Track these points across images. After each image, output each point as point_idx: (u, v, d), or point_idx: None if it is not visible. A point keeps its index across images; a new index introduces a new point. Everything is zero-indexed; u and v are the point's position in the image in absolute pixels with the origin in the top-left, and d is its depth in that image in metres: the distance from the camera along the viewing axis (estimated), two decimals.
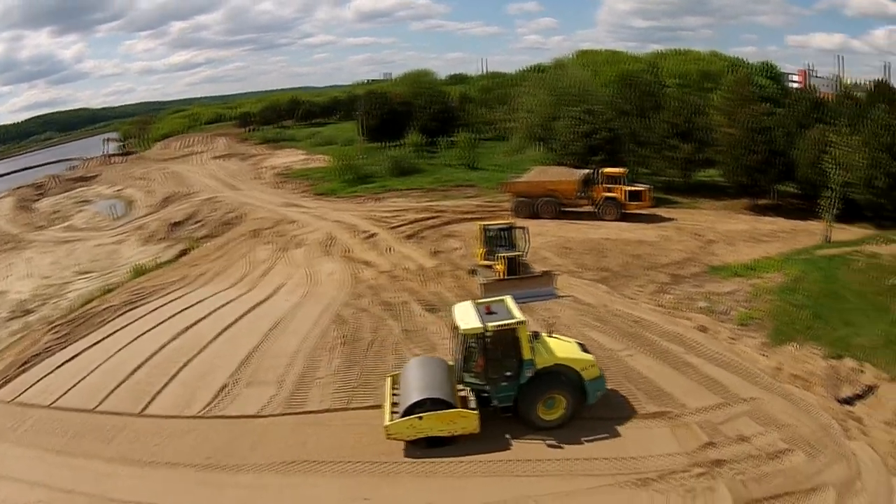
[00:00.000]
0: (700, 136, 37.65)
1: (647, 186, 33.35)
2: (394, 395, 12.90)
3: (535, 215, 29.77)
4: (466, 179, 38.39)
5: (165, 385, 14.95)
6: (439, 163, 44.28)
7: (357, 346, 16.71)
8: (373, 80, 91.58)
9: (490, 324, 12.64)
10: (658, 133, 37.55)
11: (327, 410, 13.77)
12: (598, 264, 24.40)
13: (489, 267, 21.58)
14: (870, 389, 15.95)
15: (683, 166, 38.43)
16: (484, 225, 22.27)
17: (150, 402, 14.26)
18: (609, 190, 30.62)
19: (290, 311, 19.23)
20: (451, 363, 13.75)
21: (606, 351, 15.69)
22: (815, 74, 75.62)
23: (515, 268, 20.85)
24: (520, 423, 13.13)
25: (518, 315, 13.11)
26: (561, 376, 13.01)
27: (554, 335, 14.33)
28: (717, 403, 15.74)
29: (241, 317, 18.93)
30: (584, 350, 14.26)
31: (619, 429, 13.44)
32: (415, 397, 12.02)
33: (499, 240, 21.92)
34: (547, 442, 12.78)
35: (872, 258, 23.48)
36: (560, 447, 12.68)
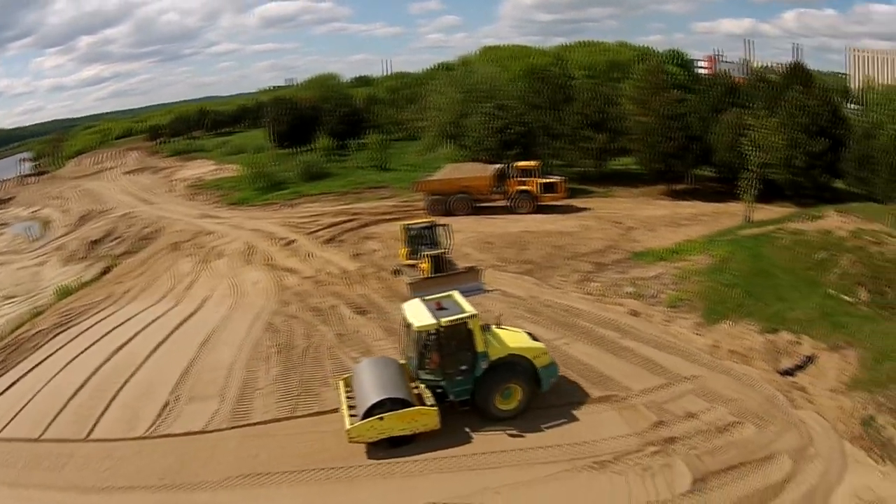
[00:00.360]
0: (613, 126, 47.24)
1: (561, 178, 41.06)
2: (348, 398, 16.15)
3: (449, 212, 37.16)
4: (379, 181, 48.49)
5: (107, 407, 18.34)
6: (351, 166, 55.86)
7: (292, 353, 20.86)
8: (277, 87, 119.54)
9: (443, 319, 15.79)
10: (571, 125, 46.72)
11: (274, 421, 17.06)
12: (520, 257, 30.98)
13: (414, 266, 26.58)
14: (810, 360, 20.61)
15: (597, 156, 48.01)
16: (406, 225, 27.57)
17: (94, 427, 17.48)
18: (522, 183, 38.91)
19: (221, 323, 23.91)
20: (402, 362, 17.33)
21: (543, 341, 18.84)
22: (723, 60, 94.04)
23: (441, 265, 25.84)
24: (476, 416, 16.58)
25: (469, 308, 16.44)
26: (515, 366, 16.50)
27: (502, 326, 18.02)
28: (661, 384, 19.44)
29: (172, 332, 23.49)
30: (534, 339, 18.03)
31: (569, 415, 16.96)
32: (373, 398, 15.01)
33: (421, 238, 27.21)
34: (501, 434, 15.95)
35: (797, 235, 30.06)
36: (514, 437, 15.89)
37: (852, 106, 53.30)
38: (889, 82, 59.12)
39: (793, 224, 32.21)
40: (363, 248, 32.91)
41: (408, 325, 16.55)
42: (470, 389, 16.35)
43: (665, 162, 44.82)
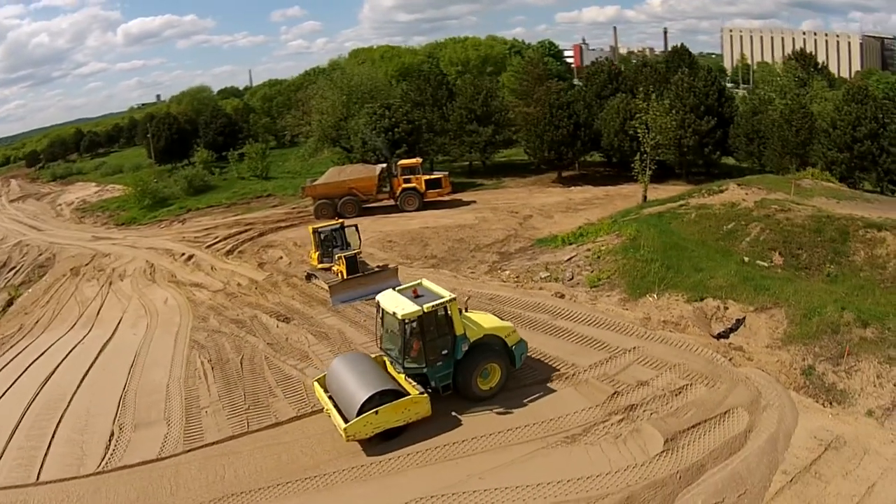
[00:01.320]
0: (497, 119, 52.22)
1: (445, 173, 44.96)
2: (329, 398, 16.96)
3: (338, 215, 39.82)
4: (263, 190, 52.53)
5: (49, 446, 18.00)
6: (232, 177, 60.22)
7: (228, 368, 21.34)
8: (145, 104, 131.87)
9: (426, 305, 16.86)
10: (455, 120, 51.52)
11: (231, 438, 17.23)
12: (424, 253, 33.08)
13: (328, 270, 28.05)
14: (740, 322, 22.68)
15: (483, 149, 52.84)
16: (315, 228, 28.98)
17: (41, 469, 17.08)
18: (407, 181, 42.45)
19: (143, 345, 24.35)
20: (373, 356, 18.61)
21: None
22: (588, 48, 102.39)
23: (356, 266, 27.21)
24: (442, 406, 17.54)
25: (446, 293, 17.71)
26: (492, 346, 18.05)
27: (469, 309, 19.56)
28: (605, 358, 20.74)
29: (95, 358, 23.61)
30: (501, 319, 19.70)
31: (529, 397, 18.17)
32: (364, 394, 15.82)
33: (332, 241, 28.72)
34: (468, 422, 16.99)
35: (703, 209, 33.00)
36: (484, 423, 16.86)
37: (730, 85, 59.80)
38: (763, 59, 66.54)
39: (695, 200, 35.29)
40: (266, 257, 34.42)
41: (390, 315, 17.33)
42: (451, 374, 17.52)
43: (555, 150, 49.00)
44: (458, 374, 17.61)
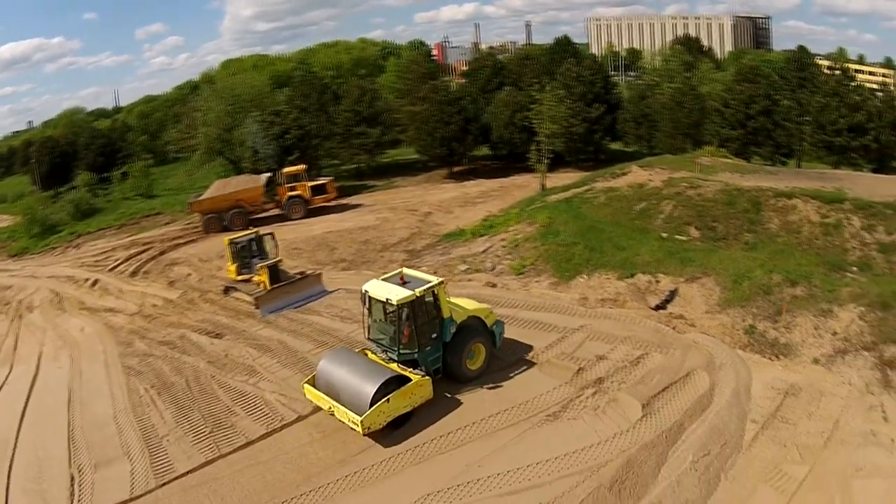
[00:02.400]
0: (384, 119, 54.81)
1: (329, 178, 46.98)
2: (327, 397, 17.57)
3: (226, 228, 41.05)
4: (151, 208, 53.56)
5: (6, 500, 17.34)
6: (117, 197, 60.99)
7: (174, 391, 21.18)
8: (18, 132, 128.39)
9: (418, 290, 17.96)
10: (343, 123, 53.90)
11: (205, 465, 17.02)
12: (332, 257, 34.18)
13: (247, 281, 28.40)
14: (674, 293, 24.98)
15: (372, 150, 55.37)
16: (231, 239, 29.15)
17: None
18: (293, 189, 44.54)
19: (74, 378, 23.66)
20: (356, 350, 19.51)
21: None
22: (450, 46, 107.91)
23: (278, 275, 27.86)
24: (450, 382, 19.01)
25: (432, 277, 19.11)
26: (475, 327, 19.51)
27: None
28: (557, 338, 22.25)
29: (28, 398, 22.74)
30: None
31: (497, 382, 19.42)
32: (373, 385, 16.67)
33: (249, 251, 29.04)
34: (446, 414, 17.91)
35: (611, 192, 35.53)
36: (464, 412, 17.96)
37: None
38: (631, 46, 72.32)
39: (599, 184, 37.86)
40: (174, 275, 34.66)
41: (380, 303, 18.45)
42: (440, 357, 18.75)
43: (446, 146, 51.71)
44: (447, 356, 18.82)
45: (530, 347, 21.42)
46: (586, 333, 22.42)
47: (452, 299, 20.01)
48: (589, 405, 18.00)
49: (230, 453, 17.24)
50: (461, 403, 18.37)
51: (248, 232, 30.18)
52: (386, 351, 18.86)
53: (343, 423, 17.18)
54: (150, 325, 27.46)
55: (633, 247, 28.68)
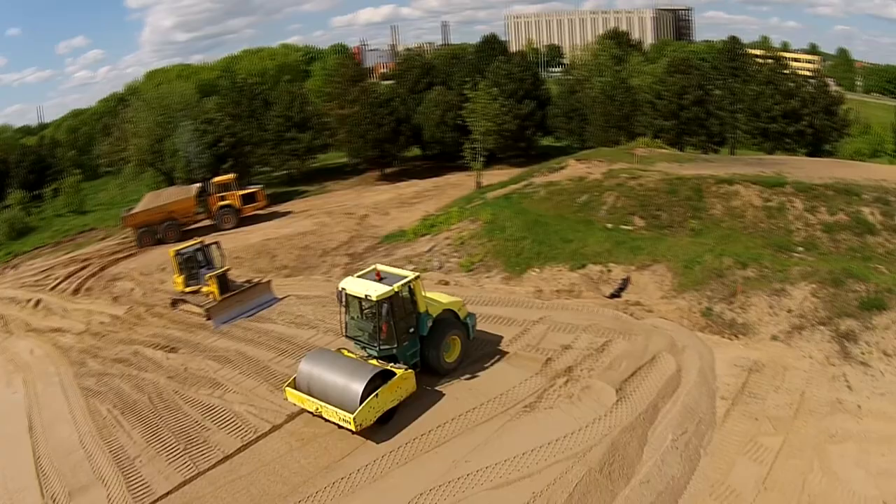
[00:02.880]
0: (314, 124, 55.70)
1: (259, 186, 47.49)
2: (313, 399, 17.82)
3: (161, 242, 41.40)
4: (85, 224, 53.49)
5: None
6: (49, 215, 60.60)
7: (139, 410, 20.74)
8: None
9: (396, 285, 18.49)
10: (274, 129, 54.66)
11: (184, 484, 16.74)
12: (274, 264, 34.34)
13: (196, 292, 28.33)
14: (627, 281, 25.85)
15: (303, 155, 56.31)
16: (176, 251, 28.90)
17: None
18: (223, 198, 44.73)
19: (31, 402, 23.09)
20: (334, 350, 19.92)
21: None
22: (368, 48, 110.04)
23: (227, 284, 27.91)
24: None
25: (408, 273, 19.66)
26: (450, 320, 20.18)
27: None
28: (520, 331, 22.78)
29: None
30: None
31: (468, 378, 19.83)
32: (361, 381, 17.08)
33: (195, 261, 28.95)
34: (422, 413, 18.18)
35: (551, 186, 36.35)
36: (441, 409, 18.31)
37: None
38: (550, 42, 74.51)
39: (538, 179, 38.72)
40: (117, 290, 34.29)
41: (359, 300, 18.88)
42: (418, 351, 19.39)
43: (379, 148, 52.61)
44: (425, 350, 19.47)
45: (495, 341, 21.83)
46: (547, 325, 22.99)
47: (429, 294, 20.56)
48: (563, 394, 18.54)
49: (209, 469, 16.95)
50: (436, 401, 18.61)
51: (194, 242, 30.01)
52: (365, 347, 19.27)
53: (332, 422, 17.31)
54: (100, 344, 26.91)
55: (580, 238, 29.47)
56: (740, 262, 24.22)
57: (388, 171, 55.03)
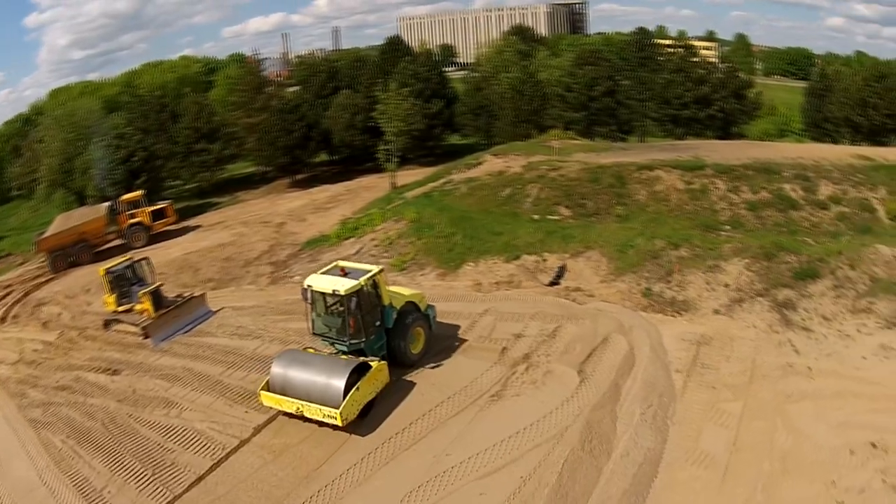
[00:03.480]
0: (222, 134, 55.06)
1: (168, 202, 46.49)
2: (294, 398, 17.83)
3: (75, 264, 40.32)
4: (1, 250, 51.35)
5: None
6: None
7: (94, 438, 19.56)
8: None
9: (362, 279, 18.68)
10: (183, 142, 53.70)
11: None
12: (198, 278, 33.50)
13: (130, 311, 27.47)
14: (563, 269, 26.38)
15: (213, 167, 55.58)
16: (106, 269, 28.01)
17: None
18: (133, 216, 43.73)
19: None
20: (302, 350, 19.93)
21: None
22: (260, 56, 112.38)
23: (161, 300, 27.17)
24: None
25: (371, 266, 19.88)
26: (413, 312, 20.45)
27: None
28: (469, 324, 22.95)
29: None
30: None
31: (429, 373, 19.89)
32: (342, 376, 17.25)
33: (126, 279, 28.17)
34: (388, 412, 18.16)
35: (472, 182, 36.76)
36: (408, 406, 18.34)
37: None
38: (444, 42, 75.70)
39: (456, 175, 39.08)
40: (45, 316, 32.77)
41: (327, 296, 19.03)
42: (384, 344, 19.56)
43: (289, 154, 52.31)
44: (391, 342, 19.69)
45: (447, 336, 21.84)
46: (494, 316, 23.24)
47: (391, 287, 20.56)
48: (526, 380, 18.81)
49: (184, 493, 16.26)
50: (402, 399, 18.54)
51: (123, 258, 29.27)
52: (334, 343, 19.34)
53: (314, 420, 17.33)
54: (37, 372, 25.50)
55: (509, 231, 29.89)
56: (672, 244, 25.19)
57: (298, 177, 54.57)
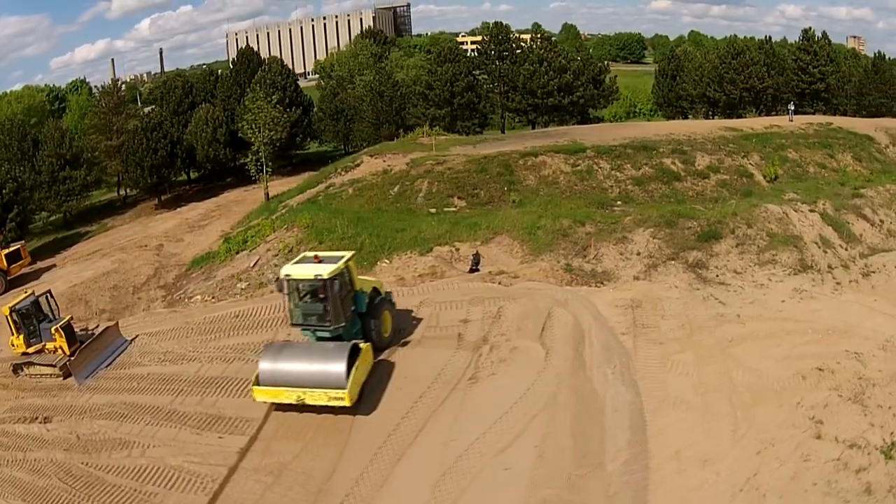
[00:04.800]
0: (85, 159, 52.36)
1: (21, 243, 42.36)
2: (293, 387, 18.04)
3: None
4: None
5: None
6: None
7: (55, 496, 17.85)
8: None
9: (340, 263, 19.16)
10: (48, 170, 50.41)
11: None
12: (91, 310, 31.75)
13: (41, 350, 25.48)
14: (477, 256, 27.74)
15: (79, 193, 52.29)
16: (11, 307, 25.69)
17: None
18: None
19: None
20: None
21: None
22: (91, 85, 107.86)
23: (74, 335, 25.57)
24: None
25: (343, 252, 20.37)
26: (380, 297, 21.22)
27: None
28: (412, 316, 23.33)
29: None
30: None
31: (395, 367, 20.36)
32: (341, 359, 17.71)
33: (33, 316, 26.09)
34: (375, 410, 18.49)
35: (357, 183, 37.09)
36: (389, 408, 18.53)
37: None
38: (270, 54, 75.62)
39: (337, 179, 39.46)
40: None
41: (307, 282, 19.18)
42: (360, 328, 20.03)
43: (155, 174, 50.58)
44: (368, 325, 20.26)
45: (398, 329, 22.11)
46: (432, 306, 23.83)
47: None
48: (495, 359, 19.77)
49: None
50: (382, 396, 18.84)
51: (25, 295, 26.86)
52: (315, 331, 19.58)
53: (316, 406, 17.61)
54: None
55: (411, 226, 30.73)
56: (578, 222, 27.38)
57: (164, 198, 52.92)
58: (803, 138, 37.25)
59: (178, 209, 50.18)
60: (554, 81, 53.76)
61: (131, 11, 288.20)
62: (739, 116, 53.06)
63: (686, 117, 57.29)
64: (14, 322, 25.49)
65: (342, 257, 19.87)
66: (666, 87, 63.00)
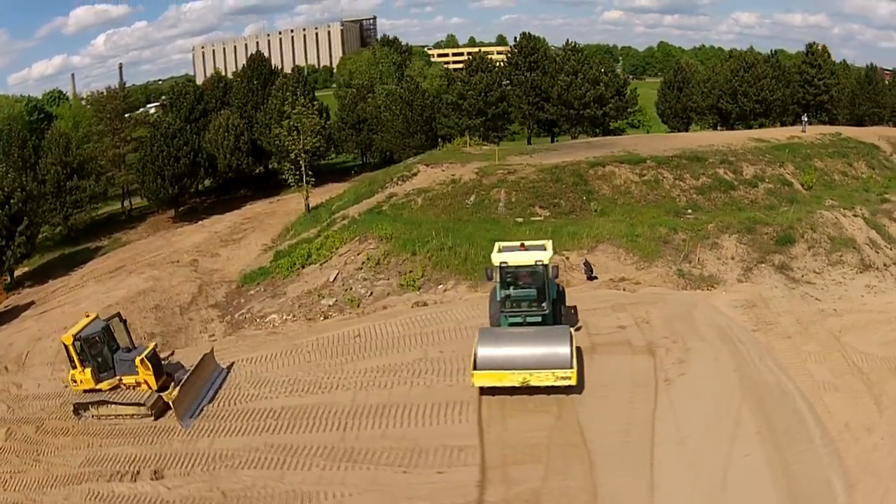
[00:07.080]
0: (92, 168, 53.18)
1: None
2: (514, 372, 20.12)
3: None
4: None
5: None
6: None
7: None
8: None
9: (551, 250, 23.45)
10: (52, 180, 51.19)
11: None
12: (136, 334, 29.09)
13: (118, 387, 23.16)
14: (589, 264, 32.77)
15: (87, 204, 52.91)
16: (74, 335, 23.03)
17: None
18: None
19: None
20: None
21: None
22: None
23: (161, 365, 23.50)
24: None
25: (543, 240, 23.53)
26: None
27: None
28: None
29: None
30: None
31: (585, 372, 22.66)
32: (563, 341, 20.60)
33: (102, 344, 23.49)
34: (593, 419, 20.58)
35: (425, 193, 40.63)
36: (604, 414, 20.92)
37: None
38: (236, 69, 77.70)
39: (395, 188, 42.87)
40: None
41: (524, 269, 22.84)
42: (551, 313, 23.43)
43: (176, 184, 51.82)
44: (556, 311, 23.59)
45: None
46: (579, 314, 27.80)
47: None
48: (675, 360, 23.45)
49: None
50: (592, 403, 20.95)
51: (88, 320, 24.03)
52: (527, 316, 22.27)
53: (542, 386, 19.73)
54: (18, 496, 20.08)
55: (507, 236, 33.30)
56: (672, 229, 32.97)
57: (181, 209, 54.22)
58: (822, 148, 44.11)
59: (201, 222, 50.69)
60: (590, 93, 59.48)
61: (87, 27, 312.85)
62: (749, 127, 59.62)
63: (687, 129, 63.11)
64: (77, 352, 22.89)
65: (542, 245, 22.66)
66: (673, 99, 69.01)
